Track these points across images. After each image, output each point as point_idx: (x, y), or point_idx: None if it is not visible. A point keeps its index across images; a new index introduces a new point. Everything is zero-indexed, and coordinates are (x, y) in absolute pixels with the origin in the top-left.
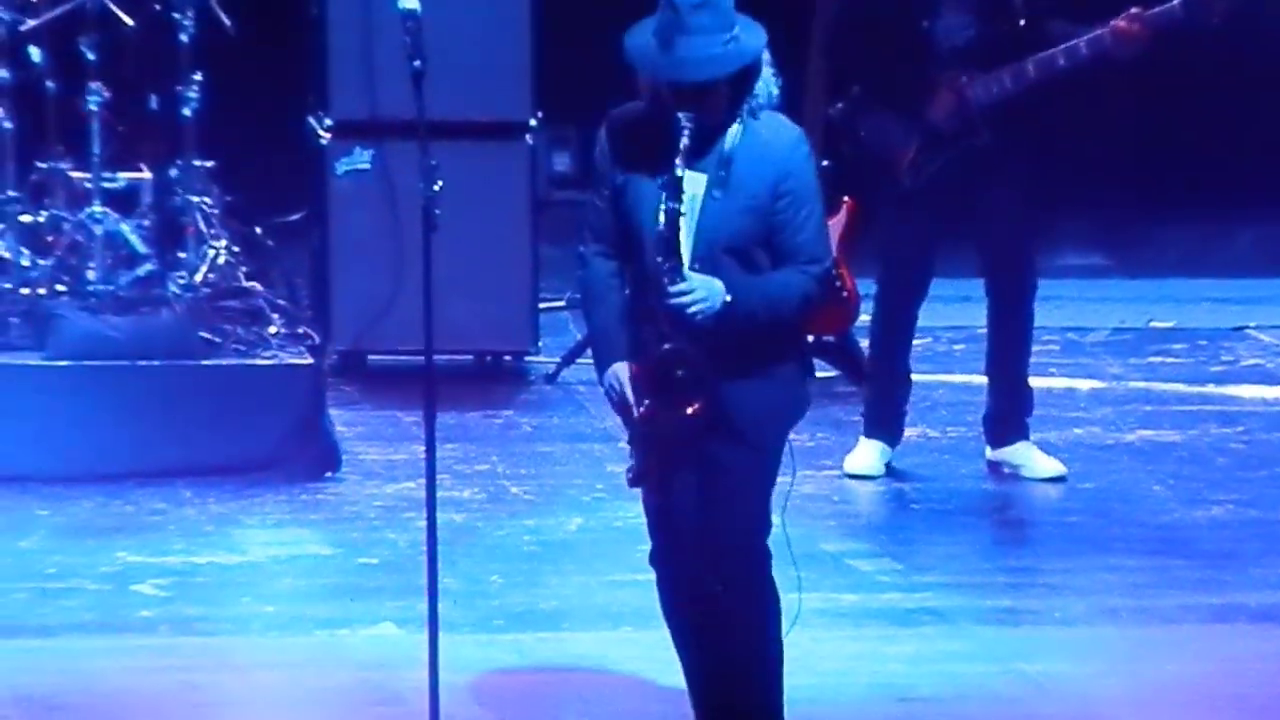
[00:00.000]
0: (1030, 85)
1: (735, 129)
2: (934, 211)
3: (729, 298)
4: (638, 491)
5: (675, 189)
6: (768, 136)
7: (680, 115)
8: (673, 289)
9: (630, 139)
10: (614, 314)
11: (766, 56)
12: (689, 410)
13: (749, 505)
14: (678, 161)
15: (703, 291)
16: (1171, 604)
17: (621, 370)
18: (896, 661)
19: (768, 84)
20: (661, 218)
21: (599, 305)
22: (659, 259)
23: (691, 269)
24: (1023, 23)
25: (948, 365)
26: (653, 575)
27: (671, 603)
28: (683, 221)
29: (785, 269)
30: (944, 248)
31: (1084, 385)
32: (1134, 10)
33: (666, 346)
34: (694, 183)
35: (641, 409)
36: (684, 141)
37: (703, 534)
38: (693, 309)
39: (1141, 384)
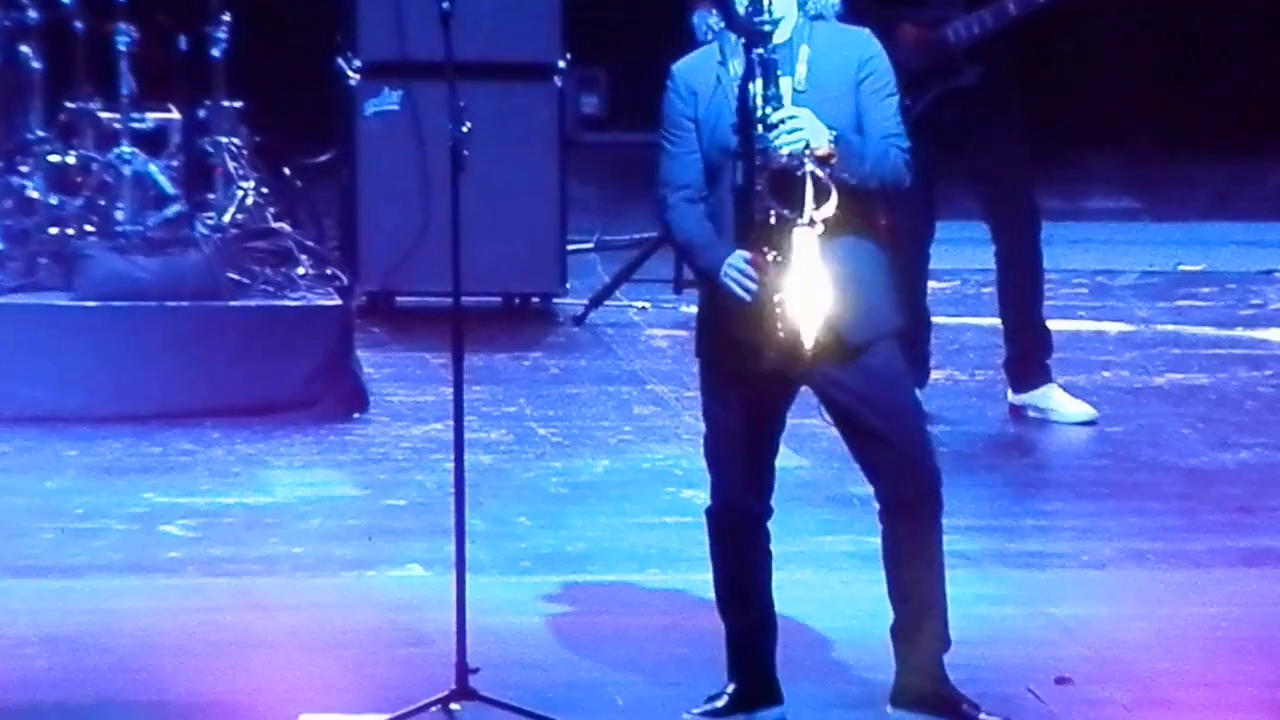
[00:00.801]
0: (1012, 21)
1: (805, 30)
2: (924, 151)
3: (832, 134)
4: (665, 433)
5: (763, 21)
6: (839, 35)
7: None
8: (775, 116)
9: (705, 74)
10: (711, 234)
11: None
12: (819, 209)
13: (920, 423)
14: (768, 45)
15: (808, 118)
16: (1199, 548)
17: (741, 253)
18: (859, 599)
19: None
20: (756, 51)
21: (697, 227)
22: (760, 91)
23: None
24: None
25: (975, 308)
26: (676, 519)
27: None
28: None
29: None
30: (964, 189)
31: (1112, 329)
32: None
33: (785, 155)
34: (779, 86)
35: (772, 217)
36: (768, 28)
37: (892, 467)
38: (797, 133)
39: (1170, 327)
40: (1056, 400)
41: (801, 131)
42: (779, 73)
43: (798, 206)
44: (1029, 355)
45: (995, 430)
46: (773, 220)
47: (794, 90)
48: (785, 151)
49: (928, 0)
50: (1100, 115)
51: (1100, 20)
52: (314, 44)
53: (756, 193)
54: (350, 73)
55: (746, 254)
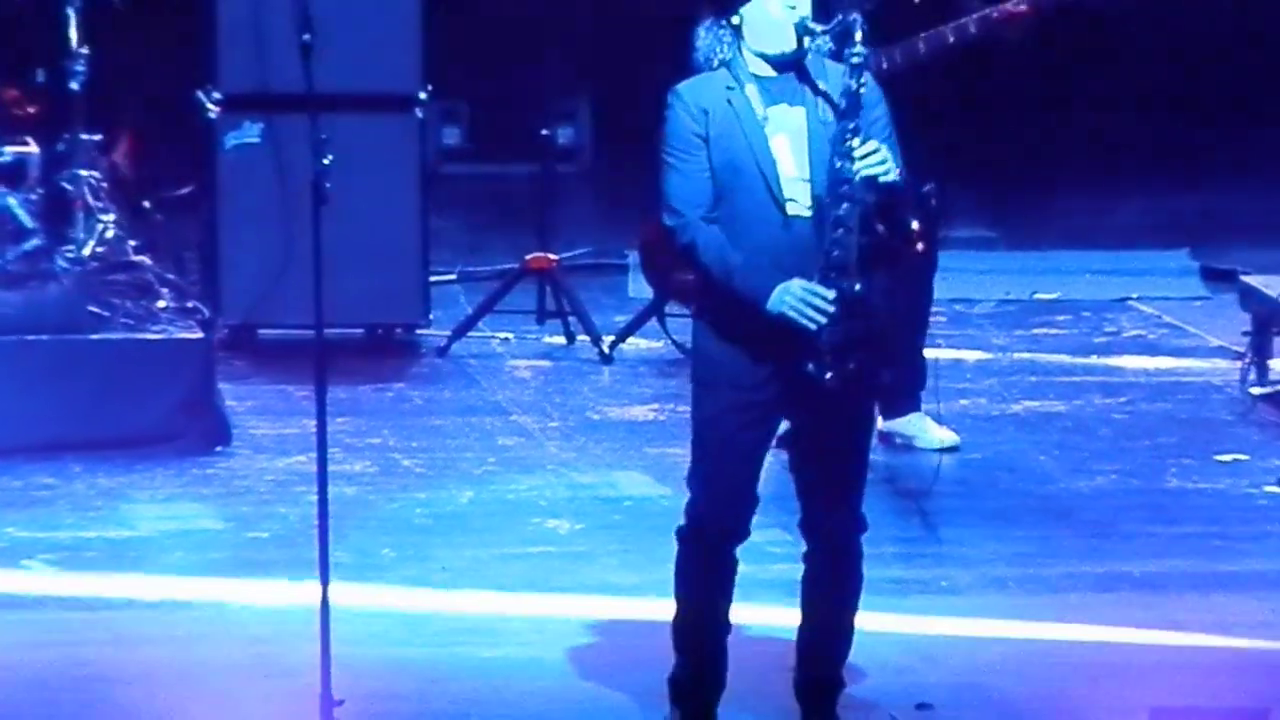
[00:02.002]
0: (921, 61)
1: (811, 63)
2: None
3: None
4: (529, 464)
5: (857, 53)
6: (837, 68)
7: (798, 16)
8: (860, 150)
9: (714, 94)
10: (745, 257)
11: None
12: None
13: (865, 461)
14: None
15: (886, 150)
16: (1057, 573)
17: (800, 281)
18: (786, 632)
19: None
20: (851, 82)
21: (731, 252)
22: (839, 121)
23: (815, 196)
24: (917, 1)
25: None
26: (541, 549)
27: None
28: (790, 150)
29: None
30: None
31: (970, 356)
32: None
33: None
34: (794, 115)
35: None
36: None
37: (827, 497)
38: (885, 164)
39: (1027, 355)
40: (923, 427)
41: (887, 162)
42: (795, 105)
43: (904, 234)
44: (903, 384)
45: None
46: (882, 247)
47: (818, 119)
48: (867, 174)
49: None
50: (956, 146)
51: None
52: (173, 77)
53: (862, 222)
54: (210, 105)
55: (806, 283)
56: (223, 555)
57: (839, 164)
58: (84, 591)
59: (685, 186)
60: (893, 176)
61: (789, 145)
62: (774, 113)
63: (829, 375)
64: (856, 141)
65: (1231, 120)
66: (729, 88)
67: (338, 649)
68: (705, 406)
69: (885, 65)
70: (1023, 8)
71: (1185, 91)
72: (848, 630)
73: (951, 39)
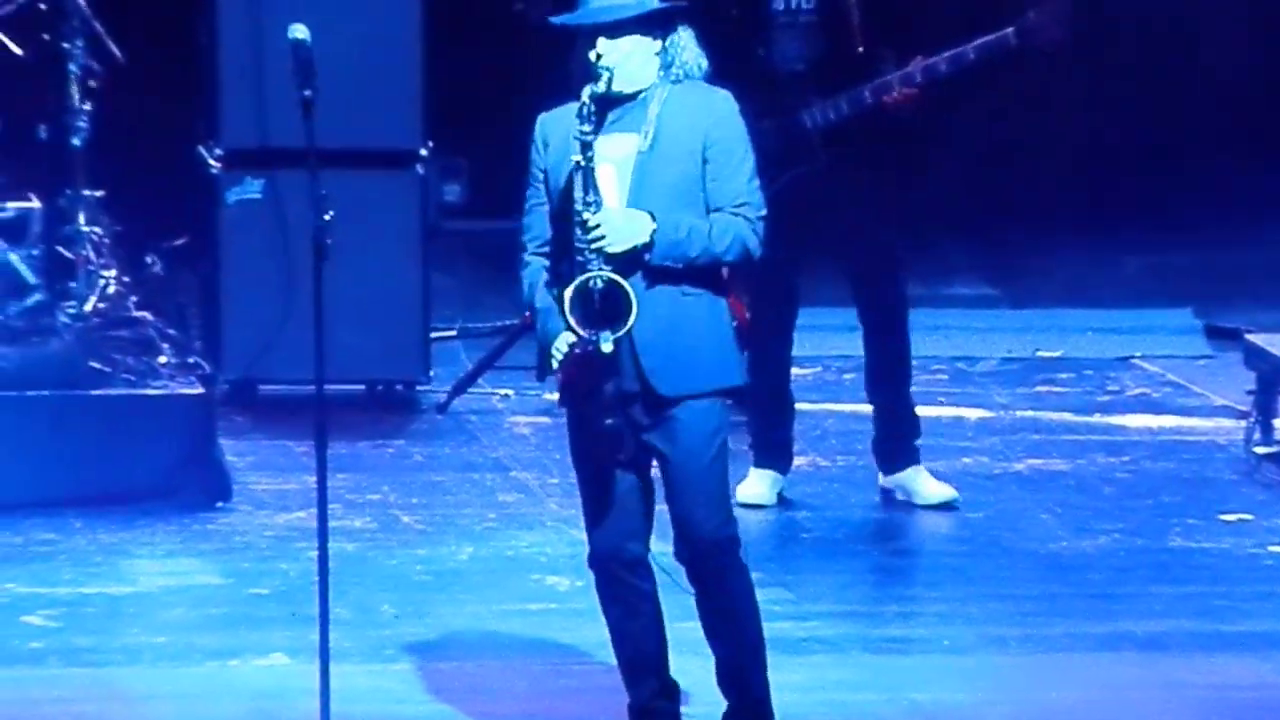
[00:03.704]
0: (867, 110)
1: (661, 91)
2: (785, 236)
3: (654, 226)
4: (529, 520)
5: (585, 131)
6: (695, 96)
7: (597, 66)
8: (591, 220)
9: (558, 127)
10: (547, 297)
11: (691, 33)
12: (616, 330)
13: (706, 486)
14: (585, 100)
15: (620, 221)
16: (1059, 632)
17: (566, 337)
18: (788, 690)
19: (697, 56)
20: (575, 158)
21: (541, 291)
22: (578, 195)
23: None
24: (861, 49)
25: (837, 394)
26: (541, 605)
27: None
28: (615, 180)
29: (720, 214)
30: (826, 275)
31: (972, 414)
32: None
33: (588, 272)
34: (625, 143)
35: (573, 350)
36: (595, 89)
37: (677, 523)
38: (609, 237)
39: (1029, 413)
40: (921, 482)
41: (610, 236)
42: (627, 130)
43: (596, 322)
44: (897, 437)
45: (858, 516)
46: (575, 337)
47: (638, 151)
48: (595, 249)
49: (783, 84)
50: (958, 202)
51: (957, 108)
52: (175, 133)
53: (561, 310)
54: (212, 161)
55: (571, 338)
56: (223, 611)
57: (577, 234)
58: (84, 647)
59: (527, 218)
60: (616, 250)
61: (614, 176)
62: (604, 142)
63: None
64: (587, 213)
65: (1236, 177)
66: (577, 117)
67: (337, 705)
68: (568, 428)
69: (833, 115)
70: (908, 90)
71: (1188, 147)
72: (746, 647)
73: (869, 98)
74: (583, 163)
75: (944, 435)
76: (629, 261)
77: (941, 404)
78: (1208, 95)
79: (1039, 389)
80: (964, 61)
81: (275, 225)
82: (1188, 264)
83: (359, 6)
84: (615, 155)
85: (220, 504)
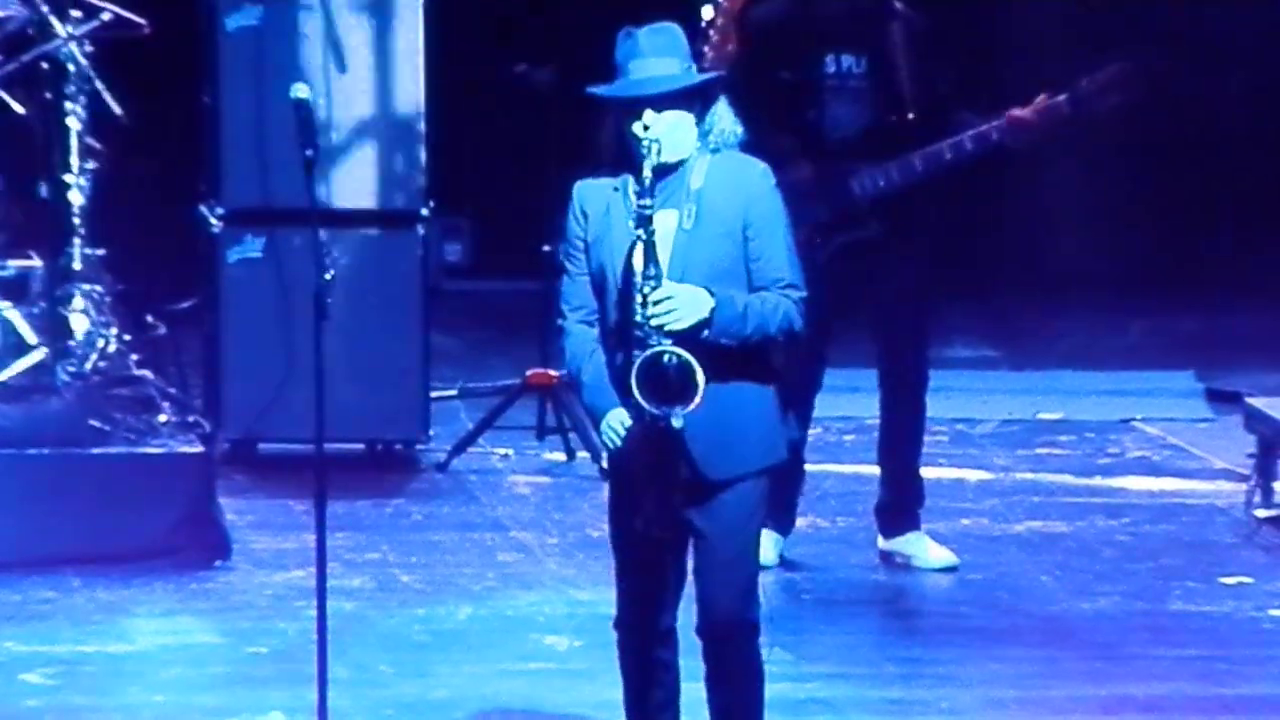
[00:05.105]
0: (918, 179)
1: (700, 163)
2: (825, 302)
3: (714, 302)
4: (529, 580)
5: (645, 205)
6: (733, 169)
7: (644, 138)
8: (653, 296)
9: (596, 197)
10: (601, 371)
11: (727, 101)
12: (685, 406)
13: (738, 569)
14: (645, 174)
15: (686, 297)
16: (1059, 695)
17: (620, 414)
18: None
19: (733, 125)
20: (637, 232)
21: (587, 363)
22: (639, 270)
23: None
24: (912, 116)
25: (837, 455)
26: (540, 665)
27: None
28: (663, 257)
29: (767, 292)
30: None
31: (972, 476)
32: (1029, 105)
33: (657, 345)
34: (665, 220)
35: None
36: (649, 162)
37: (704, 601)
38: (673, 314)
39: (1029, 475)
40: (922, 547)
41: (677, 312)
42: (667, 206)
43: (666, 398)
44: (901, 502)
45: (857, 577)
46: (644, 415)
47: (679, 228)
48: (658, 324)
49: (832, 149)
50: (960, 266)
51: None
52: (176, 191)
53: (629, 386)
54: (213, 220)
55: (625, 417)
56: (221, 670)
57: (636, 309)
58: (83, 706)
59: (568, 288)
60: (682, 326)
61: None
62: (660, 213)
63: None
64: (648, 288)
65: (1237, 240)
66: (615, 189)
67: None
68: (609, 497)
69: (882, 183)
70: (1031, 116)
71: (1190, 210)
72: None
73: (948, 156)
74: (644, 237)
75: (944, 497)
76: (686, 338)
77: (942, 465)
78: (1210, 161)
79: (1039, 451)
80: (1059, 114)
81: (276, 284)
82: (1188, 327)
83: (361, 66)
84: (661, 232)
85: (219, 563)
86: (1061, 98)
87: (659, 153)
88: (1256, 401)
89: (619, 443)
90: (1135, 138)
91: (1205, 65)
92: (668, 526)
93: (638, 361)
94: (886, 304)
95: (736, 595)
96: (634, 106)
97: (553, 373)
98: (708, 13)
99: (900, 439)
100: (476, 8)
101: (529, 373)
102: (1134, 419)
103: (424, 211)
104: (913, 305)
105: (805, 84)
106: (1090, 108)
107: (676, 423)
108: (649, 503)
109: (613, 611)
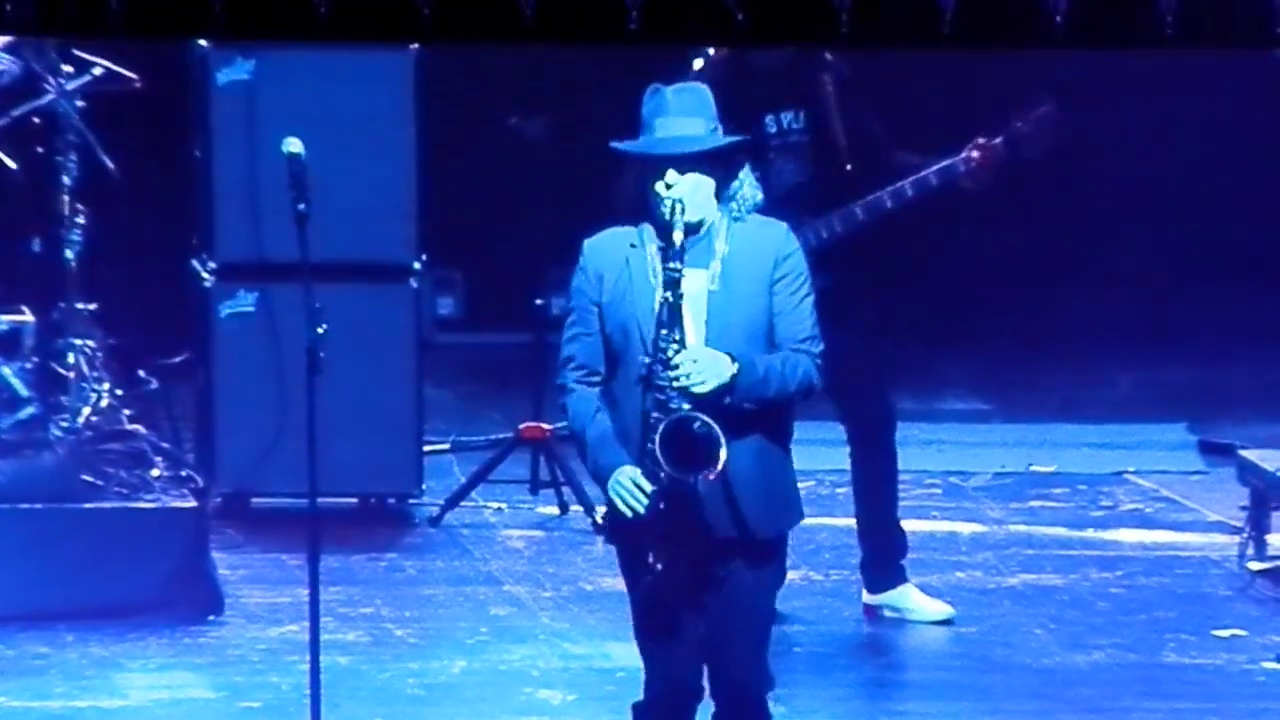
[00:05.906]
0: (861, 227)
1: (724, 225)
2: None
3: (735, 368)
4: (522, 634)
5: (674, 268)
6: (757, 229)
7: (666, 196)
8: (675, 359)
9: (609, 255)
10: (607, 429)
11: (747, 167)
12: (709, 474)
13: (757, 635)
14: (676, 237)
15: (708, 361)
16: None
17: (630, 470)
18: None
19: (754, 191)
20: (664, 294)
21: (591, 422)
22: (663, 332)
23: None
24: (849, 167)
25: (830, 508)
26: (536, 719)
27: None
28: (690, 318)
29: (786, 350)
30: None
31: (965, 529)
32: (980, 141)
33: (684, 408)
34: (692, 281)
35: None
36: (679, 224)
37: (719, 664)
38: (694, 378)
39: (1023, 528)
40: (913, 600)
41: (699, 375)
42: (694, 266)
43: (688, 463)
44: (884, 556)
45: (850, 630)
46: (663, 477)
47: (708, 290)
48: (680, 387)
49: (778, 204)
50: (951, 318)
51: (950, 223)
52: (169, 246)
53: (649, 450)
54: (205, 274)
55: (635, 471)
56: None
57: (660, 371)
58: None
59: (572, 347)
60: (704, 390)
61: (687, 314)
62: (687, 273)
63: (655, 564)
64: (671, 350)
65: (1229, 292)
66: (632, 245)
67: None
68: (621, 566)
69: (825, 235)
70: (987, 155)
71: (1181, 262)
72: None
73: (889, 204)
74: (670, 299)
75: (937, 550)
76: (708, 402)
77: (935, 519)
78: (1199, 212)
79: (1032, 504)
80: (928, 187)
81: (269, 338)
82: (1181, 379)
83: (354, 120)
84: (688, 292)
85: (212, 617)
86: (998, 140)
87: (683, 212)
88: (1249, 454)
89: (632, 499)
90: (1121, 188)
91: (1199, 114)
92: (701, 587)
93: (664, 424)
94: (840, 353)
95: (752, 660)
96: (658, 165)
97: (546, 426)
98: (698, 65)
99: (873, 483)
100: (469, 61)
101: (522, 426)
102: (1127, 471)
103: (416, 265)
104: (865, 354)
105: (751, 143)
106: (1024, 150)
107: (703, 488)
108: (661, 558)
109: (607, 665)
